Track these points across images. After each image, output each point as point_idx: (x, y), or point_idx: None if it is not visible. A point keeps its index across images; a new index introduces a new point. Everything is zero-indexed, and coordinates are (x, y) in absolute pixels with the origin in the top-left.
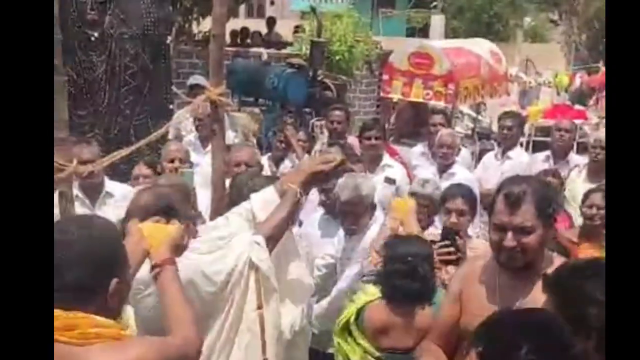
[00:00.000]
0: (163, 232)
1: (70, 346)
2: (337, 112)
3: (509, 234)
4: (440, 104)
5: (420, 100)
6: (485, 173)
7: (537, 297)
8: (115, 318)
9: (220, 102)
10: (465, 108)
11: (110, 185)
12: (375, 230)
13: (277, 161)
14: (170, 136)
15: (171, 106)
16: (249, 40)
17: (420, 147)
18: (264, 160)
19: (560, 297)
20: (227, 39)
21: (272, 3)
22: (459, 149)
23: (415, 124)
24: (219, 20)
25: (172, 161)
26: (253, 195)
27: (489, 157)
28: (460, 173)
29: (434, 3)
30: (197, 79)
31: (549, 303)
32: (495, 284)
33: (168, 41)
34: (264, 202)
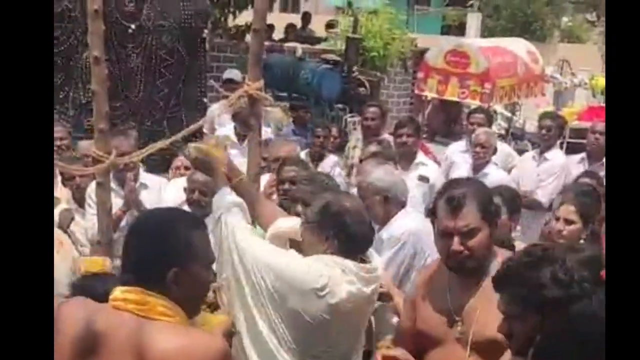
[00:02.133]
0: (215, 320)
1: (138, 318)
2: (373, 109)
3: (455, 239)
4: (476, 102)
5: (455, 98)
6: (522, 174)
7: (487, 294)
8: (186, 308)
9: (258, 96)
10: (499, 107)
11: (144, 176)
12: (397, 226)
13: (315, 158)
14: (205, 130)
15: (205, 99)
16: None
17: (461, 145)
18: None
19: (511, 291)
20: None
21: None
22: (495, 149)
23: (449, 122)
24: (260, 14)
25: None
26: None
27: (526, 158)
28: (494, 173)
29: (470, 2)
30: (232, 73)
31: (502, 300)
32: (445, 286)
33: (204, 34)
34: None
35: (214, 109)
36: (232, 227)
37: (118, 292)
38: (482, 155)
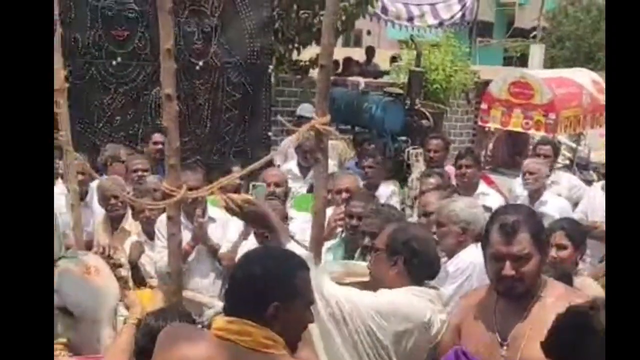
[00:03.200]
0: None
1: (239, 347)
2: (436, 141)
3: (507, 263)
4: (540, 133)
5: (519, 129)
6: (591, 205)
7: (535, 320)
8: (289, 341)
9: (325, 131)
10: (563, 138)
11: (212, 210)
12: (464, 258)
13: (370, 188)
14: (277, 162)
15: (270, 133)
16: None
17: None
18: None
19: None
20: None
21: (368, 33)
22: (546, 178)
23: (513, 153)
24: (327, 51)
25: (268, 185)
26: None
27: (594, 188)
28: (553, 201)
29: (533, 33)
30: (305, 109)
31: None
32: (493, 310)
33: (269, 70)
34: None
35: (285, 143)
36: (316, 283)
37: (221, 321)
38: (531, 182)
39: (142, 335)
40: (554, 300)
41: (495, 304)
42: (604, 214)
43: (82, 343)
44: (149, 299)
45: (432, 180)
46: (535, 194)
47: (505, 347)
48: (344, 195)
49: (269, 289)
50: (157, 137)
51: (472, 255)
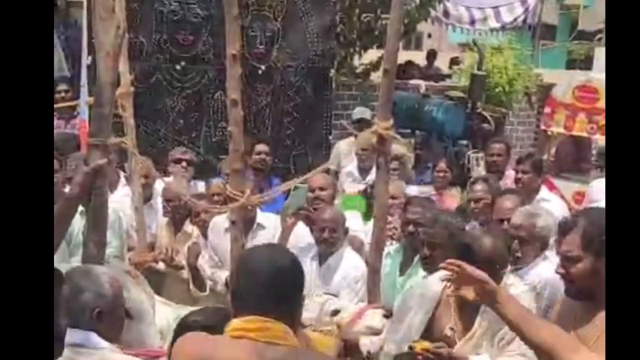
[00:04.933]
0: (325, 342)
1: (258, 343)
2: (498, 145)
3: (559, 261)
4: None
5: (584, 134)
6: None
7: (600, 325)
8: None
9: (387, 135)
10: None
11: (261, 216)
12: (535, 273)
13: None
14: (331, 166)
15: (330, 137)
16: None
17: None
18: (426, 189)
19: None
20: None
21: (429, 36)
22: None
23: (576, 158)
24: (392, 56)
25: (313, 190)
26: None
27: None
28: None
29: (598, 35)
30: (362, 112)
31: None
32: (573, 315)
33: (330, 74)
34: None
35: (340, 146)
36: None
37: (237, 321)
38: None
39: (178, 331)
40: None
41: (575, 309)
42: None
43: (131, 343)
44: (318, 343)
45: (479, 187)
46: None
47: None
48: (390, 201)
49: (297, 284)
50: (260, 147)
51: (542, 270)
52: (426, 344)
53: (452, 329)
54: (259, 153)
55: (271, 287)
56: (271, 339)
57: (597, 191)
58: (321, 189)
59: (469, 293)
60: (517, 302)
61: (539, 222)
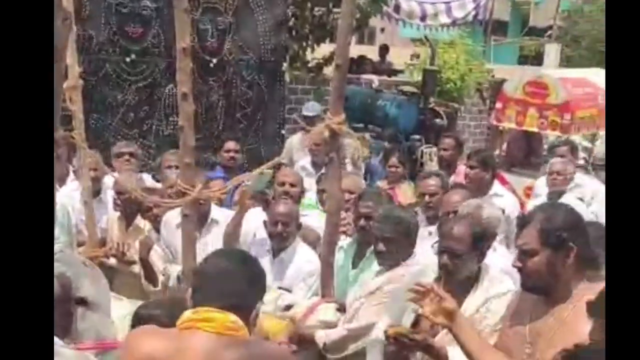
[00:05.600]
0: (281, 328)
1: (209, 334)
2: (448, 140)
3: (515, 255)
4: (555, 133)
5: (534, 129)
6: (602, 207)
7: (557, 319)
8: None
9: (339, 130)
10: (579, 138)
11: (215, 211)
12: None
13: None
14: (283, 161)
15: (283, 131)
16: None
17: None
18: (380, 184)
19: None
20: None
21: (382, 30)
22: (572, 179)
23: (527, 153)
24: (342, 50)
25: (282, 184)
26: None
27: (604, 190)
28: (572, 204)
29: (549, 32)
30: (313, 108)
31: (596, 328)
32: (529, 308)
33: (283, 68)
34: None
35: (292, 140)
36: None
37: (187, 313)
38: (558, 182)
39: (135, 323)
40: (579, 305)
41: (530, 303)
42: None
43: (85, 333)
44: (278, 330)
45: (432, 182)
46: (556, 195)
47: (528, 345)
48: (347, 196)
49: (253, 280)
50: (230, 145)
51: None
52: (400, 329)
53: None
54: (228, 150)
55: (233, 286)
56: (219, 330)
57: (541, 185)
58: (292, 185)
59: (428, 308)
60: (473, 327)
61: (484, 213)
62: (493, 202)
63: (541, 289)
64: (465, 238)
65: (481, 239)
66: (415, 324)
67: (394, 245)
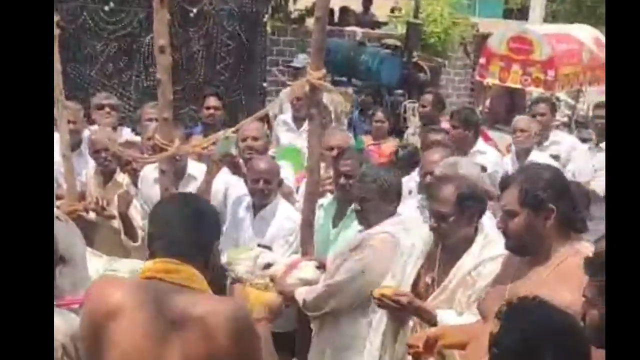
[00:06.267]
0: (263, 298)
1: (167, 284)
2: (427, 96)
3: (499, 216)
4: (539, 90)
5: (518, 85)
6: (578, 166)
7: (535, 281)
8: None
9: (320, 85)
10: (562, 95)
11: (192, 166)
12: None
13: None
14: (272, 111)
15: (264, 84)
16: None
17: None
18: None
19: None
20: None
21: None
22: (538, 136)
23: (510, 109)
24: (323, 2)
25: (245, 139)
26: None
27: (580, 149)
28: (541, 162)
29: None
30: (300, 61)
31: (591, 285)
32: (514, 268)
33: (264, 18)
34: None
35: (280, 97)
36: None
37: (149, 263)
38: (522, 139)
39: None
40: (561, 267)
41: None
42: (589, 173)
43: (65, 288)
44: (256, 299)
45: (437, 137)
46: (523, 153)
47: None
48: (334, 152)
49: (213, 228)
50: (211, 101)
51: None
52: (385, 290)
53: (433, 278)
54: (209, 107)
55: (182, 231)
56: (179, 281)
57: None
58: (254, 138)
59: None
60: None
61: (460, 171)
62: (470, 160)
63: (522, 249)
64: (449, 199)
65: (467, 199)
66: (415, 284)
67: (370, 205)
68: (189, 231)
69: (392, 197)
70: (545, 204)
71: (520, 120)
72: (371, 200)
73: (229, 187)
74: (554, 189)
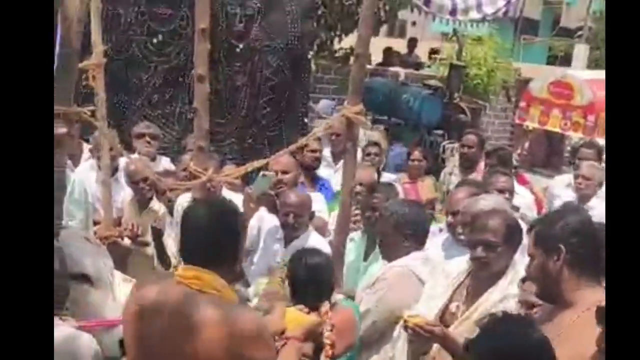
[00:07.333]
0: (302, 318)
1: (192, 290)
2: (470, 137)
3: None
4: (578, 134)
5: (557, 129)
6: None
7: (549, 327)
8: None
9: (356, 120)
10: (601, 140)
11: (226, 195)
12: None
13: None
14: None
15: (306, 119)
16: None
17: (564, 178)
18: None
19: None
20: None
21: (413, 24)
22: (601, 184)
23: (549, 153)
24: (364, 40)
25: (275, 173)
26: None
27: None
28: (600, 208)
29: (579, 32)
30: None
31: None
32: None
33: (309, 56)
34: None
35: (316, 130)
36: None
37: (179, 269)
38: (583, 187)
39: None
40: (585, 315)
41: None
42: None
43: (89, 309)
44: (295, 318)
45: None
46: (584, 199)
47: None
48: (358, 188)
49: (232, 239)
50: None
51: None
52: (419, 319)
53: (458, 307)
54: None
55: (206, 238)
56: (203, 288)
57: (557, 185)
58: (284, 172)
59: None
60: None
61: (503, 206)
62: (493, 195)
63: (544, 294)
64: (500, 229)
65: (515, 231)
66: (442, 314)
67: (388, 239)
68: (212, 237)
69: (408, 232)
70: (554, 243)
71: (587, 167)
72: (388, 235)
73: (262, 222)
74: (568, 230)
